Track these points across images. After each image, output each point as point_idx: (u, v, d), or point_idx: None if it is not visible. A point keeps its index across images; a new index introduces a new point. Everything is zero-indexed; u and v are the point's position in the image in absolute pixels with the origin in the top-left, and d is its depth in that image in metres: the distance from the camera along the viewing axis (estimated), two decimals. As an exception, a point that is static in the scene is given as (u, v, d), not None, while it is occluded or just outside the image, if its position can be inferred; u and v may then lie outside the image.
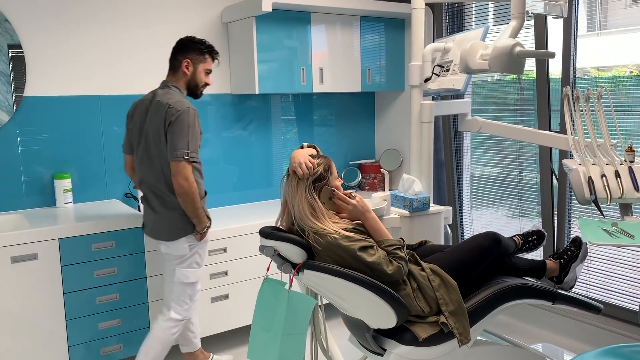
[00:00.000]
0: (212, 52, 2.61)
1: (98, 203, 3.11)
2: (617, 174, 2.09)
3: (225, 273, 3.04)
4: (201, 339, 3.15)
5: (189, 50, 2.56)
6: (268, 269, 2.21)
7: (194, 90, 2.61)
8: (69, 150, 3.07)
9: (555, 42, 3.05)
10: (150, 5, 3.22)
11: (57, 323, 2.62)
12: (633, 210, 2.14)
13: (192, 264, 2.56)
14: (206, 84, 2.63)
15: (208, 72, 2.62)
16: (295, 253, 2.02)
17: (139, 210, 3.09)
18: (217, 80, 3.48)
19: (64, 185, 2.99)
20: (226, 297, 3.06)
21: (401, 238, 2.11)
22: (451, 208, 3.07)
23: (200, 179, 2.54)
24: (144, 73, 3.24)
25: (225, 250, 3.02)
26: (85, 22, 3.05)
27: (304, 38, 3.42)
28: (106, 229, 2.69)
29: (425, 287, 2.03)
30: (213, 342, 3.22)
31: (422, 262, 2.12)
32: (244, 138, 3.63)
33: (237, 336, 3.26)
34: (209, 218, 2.58)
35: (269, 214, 3.33)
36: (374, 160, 4.13)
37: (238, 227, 3.06)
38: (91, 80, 3.10)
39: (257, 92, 3.27)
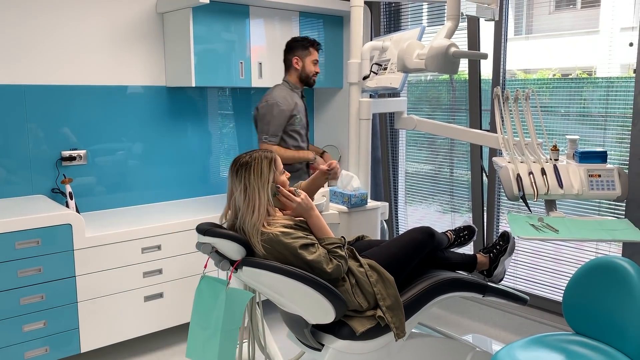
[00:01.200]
0: (314, 45, 3.10)
1: (23, 199, 2.94)
2: (543, 172, 2.20)
3: (160, 271, 2.96)
4: (135, 338, 3.05)
5: (295, 49, 3.09)
6: (205, 267, 2.17)
7: (307, 81, 3.13)
8: (-10, 142, 2.88)
9: (486, 45, 3.17)
10: (79, -9, 3.08)
11: (-24, 326, 2.46)
12: (557, 205, 2.25)
13: None
14: (316, 73, 3.14)
15: (315, 62, 3.12)
16: (233, 250, 1.99)
17: (67, 206, 2.95)
18: (151, 72, 3.37)
19: (-17, 179, 2.81)
20: (161, 295, 2.98)
21: (342, 237, 2.13)
22: (387, 204, 3.13)
23: (300, 143, 3.20)
24: (74, 62, 3.09)
25: (159, 247, 2.94)
26: (11, 7, 2.87)
27: (242, 31, 3.38)
28: (31, 226, 2.54)
29: (363, 283, 2.06)
30: (148, 341, 3.13)
31: (360, 258, 2.15)
32: (179, 132, 3.54)
33: (172, 335, 3.19)
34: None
35: (205, 210, 3.27)
36: (311, 156, 4.14)
37: (173, 223, 2.99)
38: (16, 69, 2.92)
39: (193, 85, 3.19)
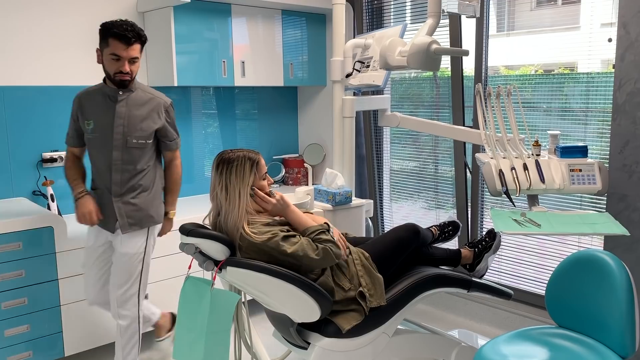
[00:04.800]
0: (111, 33, 2.27)
1: (3, 201, 2.90)
2: (525, 167, 2.22)
3: (144, 272, 2.94)
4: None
5: (100, 37, 2.35)
6: (190, 267, 2.15)
7: (111, 80, 2.37)
8: (-32, 144, 2.83)
9: (468, 41, 3.19)
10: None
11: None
12: (540, 200, 2.27)
13: None
14: (122, 72, 2.32)
15: (115, 58, 2.30)
16: (217, 250, 1.98)
17: (48, 208, 2.91)
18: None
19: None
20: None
21: (325, 222, 2.12)
22: (372, 201, 3.14)
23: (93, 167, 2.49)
24: (54, 63, 3.05)
25: (143, 248, 2.92)
26: (-16, 6, 2.83)
27: (224, 30, 3.36)
28: (12, 229, 2.50)
29: (341, 265, 2.08)
30: (132, 344, 3.10)
31: (349, 246, 2.17)
32: (162, 132, 3.51)
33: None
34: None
35: (189, 210, 3.24)
36: (297, 155, 4.14)
37: (157, 224, 2.96)
38: (-8, 69, 2.88)
39: (175, 85, 3.17)
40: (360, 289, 2.06)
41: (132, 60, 2.33)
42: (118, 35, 2.27)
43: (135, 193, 2.42)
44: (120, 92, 2.38)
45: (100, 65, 2.37)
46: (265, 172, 2.14)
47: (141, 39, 2.35)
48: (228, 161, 2.06)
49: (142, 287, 2.51)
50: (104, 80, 2.41)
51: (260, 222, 2.02)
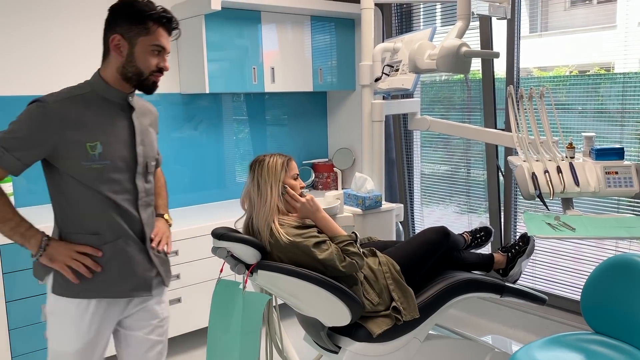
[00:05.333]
0: (159, 18, 1.67)
1: (45, 207, 2.98)
2: (559, 170, 2.18)
3: (177, 276, 2.99)
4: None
5: (118, 19, 1.68)
6: (221, 271, 2.18)
7: (138, 81, 1.71)
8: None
9: (499, 43, 3.15)
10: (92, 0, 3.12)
11: (0, 333, 2.50)
12: (576, 204, 2.23)
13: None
14: (160, 70, 1.73)
15: (158, 49, 1.70)
16: (248, 253, 2.00)
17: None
18: (166, 80, 3.40)
19: (4, 188, 2.85)
20: (179, 300, 3.01)
21: (353, 232, 2.12)
22: (402, 205, 3.12)
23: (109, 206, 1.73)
24: (90, 71, 3.13)
25: (177, 253, 2.97)
26: (19, 16, 2.93)
27: (254, 37, 3.40)
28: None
29: (370, 278, 2.07)
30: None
31: (380, 256, 2.15)
32: (194, 138, 3.58)
33: (191, 339, 3.21)
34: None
35: (221, 215, 3.29)
36: (327, 160, 4.15)
37: (190, 229, 3.01)
38: (33, 79, 2.98)
39: (207, 92, 3.22)
40: (394, 303, 2.05)
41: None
42: (165, 20, 1.69)
43: None
44: (130, 98, 1.76)
45: (119, 59, 1.70)
46: (297, 173, 2.16)
47: None
48: (261, 161, 2.12)
49: None
50: (100, 79, 1.75)
51: (288, 224, 2.04)
